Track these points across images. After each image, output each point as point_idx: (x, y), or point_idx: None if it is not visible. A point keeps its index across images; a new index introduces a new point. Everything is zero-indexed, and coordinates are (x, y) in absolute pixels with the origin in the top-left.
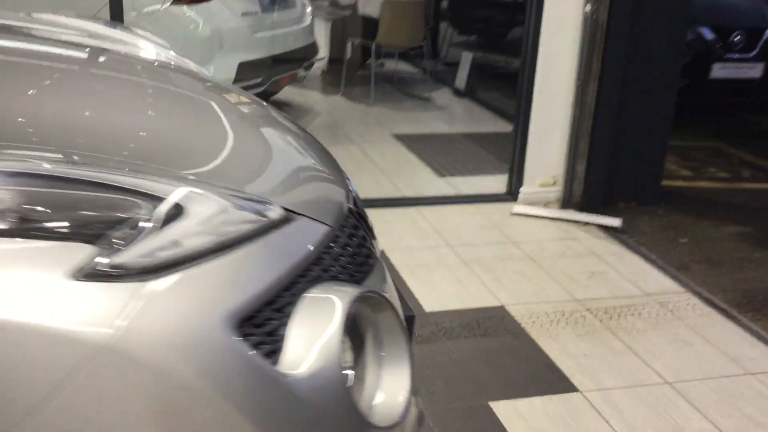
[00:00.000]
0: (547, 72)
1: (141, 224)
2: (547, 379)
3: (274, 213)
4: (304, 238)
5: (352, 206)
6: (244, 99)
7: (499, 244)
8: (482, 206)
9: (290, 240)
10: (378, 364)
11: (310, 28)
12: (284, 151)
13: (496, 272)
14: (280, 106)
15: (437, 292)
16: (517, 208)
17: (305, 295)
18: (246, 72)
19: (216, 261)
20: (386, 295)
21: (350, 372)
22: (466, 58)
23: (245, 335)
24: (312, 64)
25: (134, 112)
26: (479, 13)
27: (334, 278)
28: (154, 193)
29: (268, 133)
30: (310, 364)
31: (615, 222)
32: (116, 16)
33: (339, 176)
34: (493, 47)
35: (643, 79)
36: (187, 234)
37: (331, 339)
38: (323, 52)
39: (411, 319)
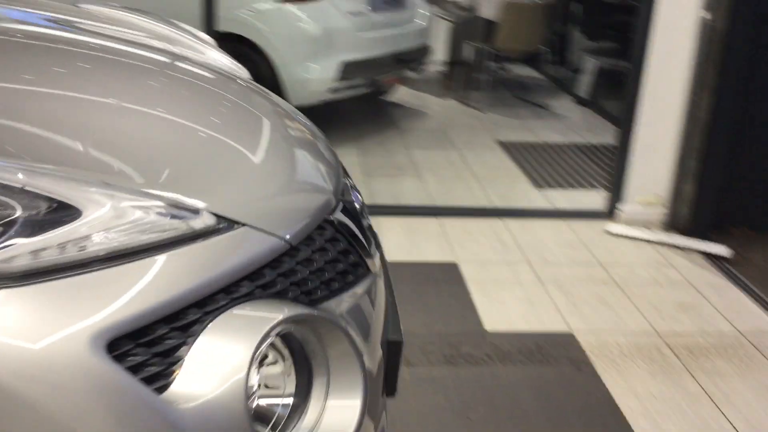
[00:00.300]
0: (657, 82)
1: (8, 226)
2: (602, 419)
3: (198, 222)
4: (237, 249)
5: (333, 218)
6: (251, 93)
7: (584, 264)
8: (575, 223)
9: (215, 251)
10: (324, 395)
11: (423, 30)
12: (257, 154)
13: (572, 295)
14: (390, 107)
15: (503, 310)
16: (613, 227)
17: (224, 313)
18: (349, 72)
19: (104, 270)
20: (334, 317)
21: (262, 404)
22: (591, 65)
23: (125, 354)
24: (422, 66)
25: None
26: (610, 18)
27: (278, 295)
28: (37, 192)
29: (251, 133)
30: (205, 393)
31: (722, 250)
32: (209, 14)
33: (324, 183)
34: (623, 54)
35: (767, 92)
36: (70, 239)
37: (237, 366)
38: (441, 54)
39: (397, 345)
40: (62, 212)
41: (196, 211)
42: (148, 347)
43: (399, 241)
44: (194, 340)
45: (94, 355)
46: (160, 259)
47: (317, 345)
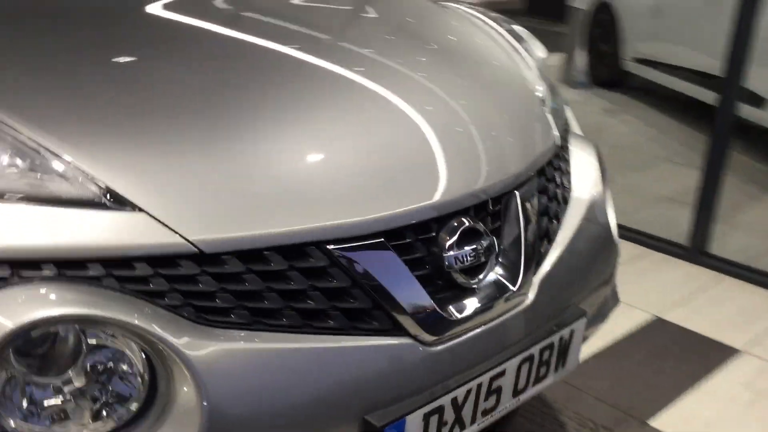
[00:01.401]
0: None
1: None
2: None
3: (59, 186)
4: (94, 228)
5: (332, 248)
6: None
7: None
8: None
9: (51, 219)
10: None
11: None
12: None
13: None
14: None
15: None
16: None
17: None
18: None
19: None
20: (169, 341)
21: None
22: None
23: None
24: None
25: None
26: None
27: (150, 296)
28: None
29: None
30: None
31: None
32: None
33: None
34: None
35: None
36: None
37: None
38: None
39: (373, 428)
40: None
41: (63, 175)
42: None
43: None
44: None
45: None
46: None
47: (161, 368)
